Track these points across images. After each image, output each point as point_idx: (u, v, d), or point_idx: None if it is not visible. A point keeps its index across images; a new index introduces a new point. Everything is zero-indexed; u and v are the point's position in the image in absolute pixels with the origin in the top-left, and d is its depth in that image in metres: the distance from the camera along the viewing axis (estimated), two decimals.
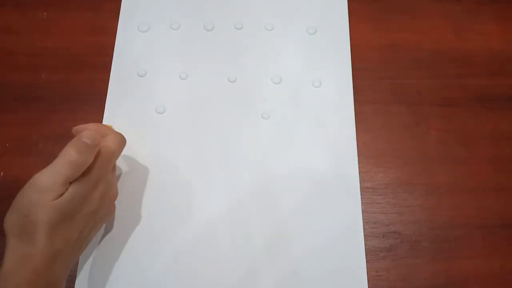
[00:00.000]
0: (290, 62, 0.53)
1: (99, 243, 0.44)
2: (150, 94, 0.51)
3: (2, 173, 0.47)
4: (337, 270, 0.44)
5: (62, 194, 0.34)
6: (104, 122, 0.49)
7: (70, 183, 0.35)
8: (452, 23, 0.56)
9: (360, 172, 0.48)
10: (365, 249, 0.45)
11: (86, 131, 0.36)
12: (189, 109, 0.50)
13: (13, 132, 0.48)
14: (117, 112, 0.50)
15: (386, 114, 0.51)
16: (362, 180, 0.48)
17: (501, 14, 0.57)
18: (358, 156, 0.49)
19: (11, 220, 0.34)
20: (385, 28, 0.56)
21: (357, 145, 0.49)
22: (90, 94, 0.50)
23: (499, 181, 0.49)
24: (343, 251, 0.45)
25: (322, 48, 0.54)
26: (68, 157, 0.34)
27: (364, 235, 0.46)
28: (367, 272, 0.44)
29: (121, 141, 0.40)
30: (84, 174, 0.35)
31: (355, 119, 0.50)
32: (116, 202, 0.44)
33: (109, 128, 0.41)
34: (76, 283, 0.43)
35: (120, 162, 0.47)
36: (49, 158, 0.47)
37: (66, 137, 0.48)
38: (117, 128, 0.49)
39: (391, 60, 0.54)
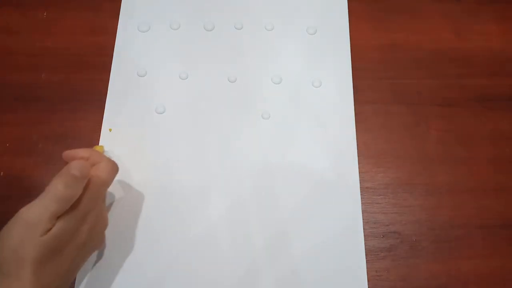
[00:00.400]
0: (290, 62, 0.53)
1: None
2: (150, 94, 0.51)
3: (2, 173, 0.47)
4: (337, 270, 0.44)
5: (49, 230, 0.33)
6: (104, 122, 0.49)
7: (58, 217, 0.34)
8: (452, 23, 0.56)
9: (360, 172, 0.48)
10: (365, 249, 0.45)
11: (75, 162, 0.35)
12: (189, 109, 0.50)
13: (13, 132, 0.48)
14: (117, 112, 0.50)
15: (386, 114, 0.51)
16: (362, 180, 0.48)
17: (501, 14, 0.57)
18: (358, 156, 0.49)
19: None
20: (385, 28, 0.56)
21: (357, 145, 0.49)
22: (90, 94, 0.50)
23: (499, 181, 0.49)
24: (343, 251, 0.45)
25: (322, 48, 0.54)
26: (55, 191, 0.33)
27: (364, 235, 0.46)
28: (367, 272, 0.44)
29: (113, 169, 0.39)
30: (72, 207, 0.34)
31: (355, 119, 0.50)
32: (116, 202, 0.44)
33: (101, 155, 0.39)
34: (75, 284, 0.43)
35: (120, 162, 0.47)
36: (49, 158, 0.47)
37: (66, 137, 0.48)
38: (117, 128, 0.49)
39: (391, 60, 0.54)
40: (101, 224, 0.39)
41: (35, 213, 0.33)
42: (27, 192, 0.46)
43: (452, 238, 0.46)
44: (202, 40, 0.54)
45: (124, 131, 0.49)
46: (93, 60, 0.52)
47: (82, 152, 0.39)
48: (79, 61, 0.52)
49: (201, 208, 0.46)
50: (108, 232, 0.44)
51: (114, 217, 0.45)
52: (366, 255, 0.45)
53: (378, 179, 0.48)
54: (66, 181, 0.33)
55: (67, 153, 0.39)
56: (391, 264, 0.45)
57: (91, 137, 0.48)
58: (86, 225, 0.36)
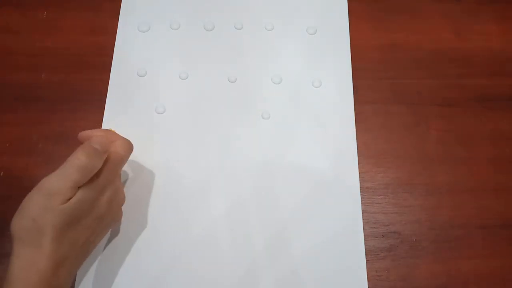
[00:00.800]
0: (290, 62, 0.53)
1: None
2: (150, 94, 0.51)
3: (2, 173, 0.47)
4: (337, 270, 0.44)
5: (70, 199, 0.34)
6: (104, 122, 0.49)
7: (78, 187, 0.35)
8: (452, 23, 0.56)
9: (360, 172, 0.48)
10: (365, 249, 0.45)
11: (95, 137, 0.37)
12: (189, 109, 0.50)
13: (13, 132, 0.48)
14: (117, 112, 0.50)
15: (386, 114, 0.51)
16: (362, 180, 0.48)
17: (501, 14, 0.57)
18: (358, 156, 0.49)
19: (18, 224, 0.34)
20: (385, 28, 0.56)
21: (357, 145, 0.49)
22: (90, 94, 0.50)
23: (499, 181, 0.49)
24: (343, 251, 0.45)
25: (322, 48, 0.54)
26: (78, 162, 0.34)
27: (364, 235, 0.46)
28: (367, 272, 0.44)
29: (129, 147, 0.40)
30: (92, 179, 0.35)
31: (355, 119, 0.50)
32: None
33: (116, 134, 0.41)
34: (75, 284, 0.43)
35: None
36: (49, 158, 0.47)
37: (66, 137, 0.48)
38: (117, 128, 0.49)
39: (391, 60, 0.54)
40: (119, 199, 0.40)
41: (57, 182, 0.34)
42: (27, 192, 0.46)
43: (452, 238, 0.46)
44: (202, 40, 0.54)
45: (124, 131, 0.49)
46: (93, 60, 0.52)
47: (98, 132, 0.40)
48: (79, 61, 0.52)
49: (201, 208, 0.46)
50: (109, 232, 0.44)
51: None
52: (366, 255, 0.45)
53: (378, 179, 0.48)
54: (88, 152, 0.35)
55: (83, 133, 0.40)
56: (391, 264, 0.45)
57: None
58: (105, 198, 0.37)
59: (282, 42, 0.54)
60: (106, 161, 0.37)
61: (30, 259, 0.33)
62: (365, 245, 0.45)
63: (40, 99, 0.50)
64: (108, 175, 0.37)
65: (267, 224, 0.46)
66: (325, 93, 0.51)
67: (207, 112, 0.50)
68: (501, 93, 0.53)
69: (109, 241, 0.44)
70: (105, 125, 0.49)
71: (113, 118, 0.49)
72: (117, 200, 0.40)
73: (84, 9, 0.55)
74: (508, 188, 0.49)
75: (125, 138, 0.40)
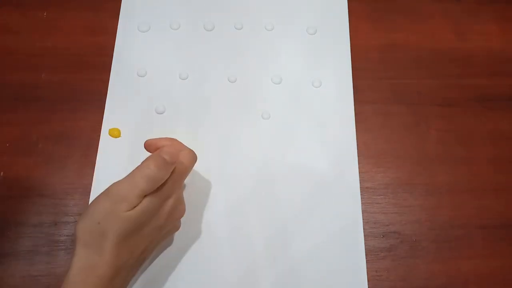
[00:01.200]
0: (290, 62, 0.53)
1: None
2: (150, 94, 0.51)
3: (2, 173, 0.47)
4: (337, 270, 0.44)
5: (135, 207, 0.34)
6: (104, 122, 0.49)
7: (144, 196, 0.35)
8: (452, 23, 0.56)
9: (360, 172, 0.48)
10: (365, 249, 0.45)
11: (166, 148, 0.37)
12: (189, 109, 0.50)
13: (13, 132, 0.48)
14: (117, 112, 0.50)
15: (386, 114, 0.51)
16: (362, 180, 0.48)
17: (501, 14, 0.57)
18: (358, 156, 0.49)
19: (83, 226, 0.34)
20: (385, 28, 0.56)
21: (357, 145, 0.49)
22: (90, 94, 0.50)
23: (499, 181, 0.49)
24: (343, 251, 0.45)
25: (322, 48, 0.54)
26: (147, 171, 0.35)
27: (364, 235, 0.46)
28: (367, 272, 0.44)
29: (194, 158, 0.40)
30: (157, 188, 0.36)
31: (355, 119, 0.50)
32: None
33: (181, 144, 0.41)
34: None
35: (120, 163, 0.47)
36: (49, 158, 0.47)
37: (66, 137, 0.48)
38: (117, 128, 0.49)
39: (391, 60, 0.54)
40: (180, 210, 0.40)
41: (125, 189, 0.34)
42: (27, 192, 0.46)
43: (452, 238, 0.46)
44: (202, 40, 0.54)
45: (124, 131, 0.49)
46: (93, 60, 0.52)
47: (163, 141, 0.40)
48: (79, 61, 0.52)
49: (201, 208, 0.46)
50: None
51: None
52: (366, 255, 0.45)
53: (378, 179, 0.48)
54: (158, 163, 0.35)
55: (149, 142, 0.40)
56: (391, 264, 0.45)
57: (91, 137, 0.48)
58: (167, 209, 0.38)
59: (282, 42, 0.54)
60: (172, 172, 0.37)
61: (90, 263, 0.33)
62: (365, 245, 0.45)
63: (40, 99, 0.50)
64: (172, 185, 0.37)
65: (267, 224, 0.46)
66: (325, 93, 0.51)
67: (207, 112, 0.50)
68: (501, 93, 0.53)
69: None
70: (105, 125, 0.49)
71: (113, 118, 0.49)
72: (178, 211, 0.40)
73: (84, 9, 0.55)
74: (508, 188, 0.49)
75: (189, 149, 0.40)
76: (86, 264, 0.33)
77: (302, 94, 0.51)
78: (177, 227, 0.42)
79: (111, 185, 0.35)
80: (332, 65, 0.53)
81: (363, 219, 0.46)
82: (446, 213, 0.47)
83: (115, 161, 0.47)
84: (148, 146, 0.40)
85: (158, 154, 0.36)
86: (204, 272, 0.44)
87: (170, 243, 0.45)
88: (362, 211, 0.47)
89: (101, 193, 0.35)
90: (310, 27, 0.55)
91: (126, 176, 0.35)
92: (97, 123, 0.49)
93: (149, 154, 0.48)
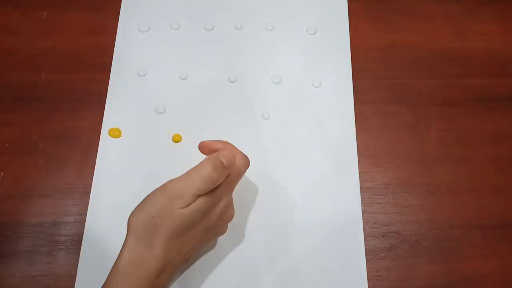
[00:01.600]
0: (290, 62, 0.53)
1: (98, 242, 0.44)
2: (150, 94, 0.51)
3: (2, 173, 0.47)
4: (337, 270, 0.44)
5: (189, 205, 0.35)
6: (104, 122, 0.49)
7: (198, 196, 0.36)
8: (452, 23, 0.56)
9: (360, 172, 0.48)
10: (365, 249, 0.45)
11: (224, 151, 0.38)
12: (189, 109, 0.50)
13: (13, 132, 0.48)
14: (117, 112, 0.50)
15: (386, 114, 0.51)
16: (362, 180, 0.48)
17: (501, 14, 0.57)
18: (358, 156, 0.49)
19: (136, 218, 0.35)
20: (385, 28, 0.56)
21: (357, 145, 0.49)
22: (90, 94, 0.50)
23: (499, 181, 0.49)
24: (343, 251, 0.45)
25: (322, 48, 0.54)
26: (205, 172, 0.35)
27: (364, 235, 0.46)
28: (367, 272, 0.44)
29: (247, 163, 0.40)
30: (212, 190, 0.36)
31: (355, 119, 0.50)
32: (114, 201, 0.44)
33: (236, 148, 0.41)
34: (76, 283, 0.43)
35: (120, 162, 0.47)
36: (49, 158, 0.47)
37: (66, 137, 0.48)
38: (117, 128, 0.49)
39: (391, 60, 0.54)
40: (229, 214, 0.40)
41: (181, 187, 0.35)
42: (27, 192, 0.46)
43: (452, 238, 0.46)
44: (202, 40, 0.54)
45: (124, 131, 0.49)
46: (93, 60, 0.52)
47: (218, 144, 0.40)
48: (79, 61, 0.52)
49: None
50: (109, 230, 0.44)
51: (111, 216, 0.45)
52: (366, 255, 0.45)
53: (378, 179, 0.48)
54: (216, 165, 0.36)
55: (203, 144, 0.40)
56: (391, 264, 0.45)
57: (91, 137, 0.48)
58: (217, 211, 0.38)
59: (282, 42, 0.54)
60: (226, 176, 0.38)
61: (140, 256, 0.34)
62: (365, 245, 0.45)
63: (40, 99, 0.50)
64: (225, 189, 0.38)
65: (267, 224, 0.46)
66: (325, 93, 0.51)
67: (207, 112, 0.50)
68: (501, 93, 0.53)
69: (108, 240, 0.44)
70: (105, 125, 0.49)
71: (113, 118, 0.49)
72: (227, 215, 0.40)
73: (84, 9, 0.55)
74: (508, 188, 0.49)
75: (244, 154, 0.40)
76: (136, 256, 0.34)
77: (302, 94, 0.51)
78: (223, 231, 0.42)
79: (168, 182, 0.36)
80: (332, 65, 0.53)
81: (363, 219, 0.46)
82: (446, 213, 0.47)
83: (115, 161, 0.47)
84: (202, 147, 0.40)
85: (216, 157, 0.37)
86: (204, 272, 0.44)
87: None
88: (362, 211, 0.47)
89: (158, 188, 0.36)
90: (310, 27, 0.55)
91: (183, 174, 0.36)
92: (97, 123, 0.49)
93: (147, 154, 0.48)
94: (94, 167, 0.47)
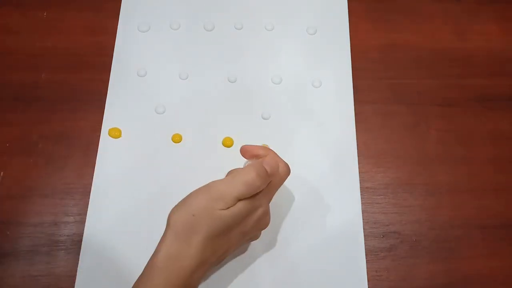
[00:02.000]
0: (290, 62, 0.53)
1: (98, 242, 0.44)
2: (150, 94, 0.51)
3: (2, 173, 0.47)
4: (337, 270, 0.44)
5: (229, 207, 0.36)
6: (104, 122, 0.49)
7: (239, 200, 0.36)
8: (452, 23, 0.56)
9: (360, 172, 0.48)
10: (365, 249, 0.45)
11: (268, 159, 0.38)
12: (189, 109, 0.50)
13: (13, 132, 0.48)
14: (117, 112, 0.50)
15: (386, 114, 0.51)
16: (362, 180, 0.48)
17: (501, 14, 0.57)
18: (358, 156, 0.49)
19: (177, 215, 0.36)
20: (385, 28, 0.56)
21: (357, 145, 0.49)
22: (90, 94, 0.50)
23: (499, 181, 0.49)
24: (343, 251, 0.45)
25: (322, 48, 0.54)
26: (248, 177, 0.36)
27: (364, 235, 0.46)
28: (367, 272, 0.44)
29: (288, 172, 0.41)
30: (252, 196, 0.37)
31: (355, 119, 0.50)
32: (114, 202, 0.44)
33: (278, 156, 0.41)
34: (76, 283, 0.43)
35: (120, 162, 0.47)
36: (49, 158, 0.47)
37: (66, 137, 0.48)
38: (117, 128, 0.49)
39: (391, 60, 0.54)
40: (265, 221, 0.40)
41: (224, 188, 0.36)
42: (27, 192, 0.46)
43: (452, 238, 0.46)
44: (202, 40, 0.54)
45: (124, 131, 0.49)
46: (93, 60, 0.52)
47: (260, 150, 0.40)
48: (79, 61, 0.52)
49: None
50: (109, 230, 0.44)
51: (111, 216, 0.45)
52: (366, 255, 0.45)
53: (378, 179, 0.48)
54: (259, 172, 0.36)
55: (246, 148, 0.41)
56: (391, 264, 0.45)
57: (91, 137, 0.48)
58: (255, 217, 0.38)
59: (282, 42, 0.54)
60: (268, 183, 0.38)
61: (177, 253, 0.35)
62: (365, 245, 0.45)
63: (40, 99, 0.50)
64: (264, 196, 0.38)
65: None
66: (325, 93, 0.51)
67: (207, 112, 0.50)
68: (501, 93, 0.53)
69: (108, 240, 0.44)
70: (105, 125, 0.49)
71: (113, 118, 0.49)
72: (263, 222, 0.40)
73: (84, 9, 0.55)
74: (508, 188, 0.49)
75: (285, 163, 0.41)
76: (173, 252, 0.35)
77: (302, 94, 0.51)
78: (257, 237, 0.43)
79: (211, 182, 0.37)
80: (332, 65, 0.53)
81: (363, 219, 0.46)
82: (446, 213, 0.47)
83: (115, 161, 0.47)
84: (244, 152, 0.41)
85: (260, 164, 0.37)
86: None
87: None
88: (362, 211, 0.47)
89: (200, 187, 0.37)
90: (310, 27, 0.55)
91: (226, 177, 0.37)
92: (97, 123, 0.49)
93: (147, 154, 0.48)
94: (94, 167, 0.47)
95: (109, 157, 0.47)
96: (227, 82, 0.52)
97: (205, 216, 0.35)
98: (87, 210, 0.45)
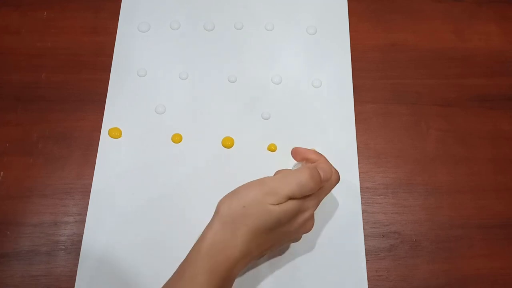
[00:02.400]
0: (290, 62, 0.53)
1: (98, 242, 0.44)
2: (150, 94, 0.51)
3: (2, 173, 0.47)
4: (337, 270, 0.44)
5: (279, 204, 0.36)
6: (104, 122, 0.49)
7: (290, 198, 0.36)
8: (452, 23, 0.56)
9: (360, 172, 0.48)
10: (365, 249, 0.45)
11: (323, 165, 0.39)
12: (189, 109, 0.50)
13: (13, 132, 0.48)
14: (117, 112, 0.50)
15: (386, 114, 0.51)
16: (362, 180, 0.48)
17: (501, 14, 0.57)
18: (358, 156, 0.49)
19: (227, 204, 0.36)
20: (385, 28, 0.56)
21: (357, 145, 0.49)
22: (90, 94, 0.50)
23: (499, 181, 0.49)
24: (343, 251, 0.45)
25: (322, 48, 0.54)
26: (302, 178, 0.36)
27: (364, 235, 0.46)
28: (367, 272, 0.44)
29: (338, 180, 0.41)
30: (302, 197, 0.37)
31: (355, 119, 0.50)
32: (114, 201, 0.44)
33: (329, 162, 0.41)
34: (76, 283, 0.43)
35: (120, 162, 0.47)
36: (49, 158, 0.47)
37: (66, 137, 0.48)
38: (117, 128, 0.49)
39: (391, 60, 0.54)
40: (308, 225, 0.41)
41: (277, 185, 0.36)
42: (27, 192, 0.46)
43: (452, 238, 0.46)
44: (202, 40, 0.54)
45: (124, 131, 0.49)
46: (93, 60, 0.52)
47: (312, 154, 0.41)
48: (79, 61, 0.52)
49: (201, 208, 0.46)
50: (109, 230, 0.44)
51: (111, 216, 0.45)
52: (366, 255, 0.45)
53: (378, 179, 0.48)
54: (313, 175, 0.37)
55: (297, 150, 0.42)
56: (391, 264, 0.45)
57: (91, 137, 0.48)
58: (301, 220, 0.39)
59: (282, 42, 0.54)
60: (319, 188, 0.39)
61: (223, 242, 0.35)
62: (365, 245, 0.45)
63: (40, 99, 0.50)
64: (313, 200, 0.39)
65: None
66: (325, 93, 0.51)
67: (207, 112, 0.50)
68: (501, 93, 0.53)
69: (108, 240, 0.44)
70: (105, 125, 0.49)
71: (113, 118, 0.49)
72: (307, 225, 0.40)
73: (84, 9, 0.55)
74: (508, 188, 0.49)
75: (336, 170, 0.41)
76: (219, 240, 0.35)
77: (302, 94, 0.51)
78: (298, 239, 0.43)
79: (264, 177, 0.37)
80: (332, 65, 0.53)
81: (363, 219, 0.46)
82: (446, 213, 0.47)
83: (115, 161, 0.47)
84: (295, 153, 0.42)
85: (315, 167, 0.38)
86: None
87: (169, 243, 0.44)
88: (362, 211, 0.47)
89: (253, 181, 0.37)
90: (310, 27, 0.55)
91: (279, 175, 0.38)
92: (97, 123, 0.49)
93: (147, 154, 0.48)
94: (94, 167, 0.47)
95: (109, 157, 0.47)
96: (227, 82, 0.52)
97: (255, 208, 0.35)
98: (87, 210, 0.45)
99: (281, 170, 0.41)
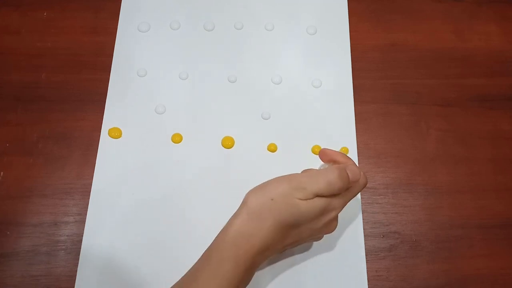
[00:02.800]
0: (290, 62, 0.53)
1: (97, 241, 0.44)
2: (150, 94, 0.51)
3: (2, 173, 0.47)
4: (337, 270, 0.44)
5: (307, 200, 0.36)
6: (104, 122, 0.49)
7: (317, 196, 0.37)
8: (452, 23, 0.56)
9: None
10: (365, 249, 0.45)
11: (352, 167, 0.39)
12: (189, 109, 0.50)
13: (13, 132, 0.48)
14: (117, 112, 0.50)
15: (386, 114, 0.51)
16: None
17: (501, 14, 0.57)
18: (358, 156, 0.49)
19: (255, 196, 0.37)
20: (385, 28, 0.56)
21: (357, 145, 0.49)
22: (90, 94, 0.50)
23: (499, 181, 0.49)
24: (343, 251, 0.45)
25: (322, 48, 0.54)
26: (330, 177, 0.36)
27: (364, 235, 0.46)
28: (367, 272, 0.44)
29: (366, 184, 0.41)
30: (329, 197, 0.37)
31: (355, 119, 0.50)
32: (115, 201, 0.44)
33: (357, 168, 0.41)
34: (76, 283, 0.43)
35: (120, 162, 0.47)
36: (49, 158, 0.47)
37: (66, 137, 0.48)
38: (117, 128, 0.49)
39: (391, 60, 0.54)
40: (332, 226, 0.40)
41: (305, 181, 0.36)
42: (27, 192, 0.46)
43: (452, 238, 0.46)
44: (202, 40, 0.54)
45: (124, 131, 0.49)
46: (93, 60, 0.52)
47: (340, 157, 0.41)
48: (79, 61, 0.52)
49: (201, 208, 0.46)
50: (109, 230, 0.44)
51: (111, 215, 0.45)
52: (366, 255, 0.45)
53: (378, 179, 0.48)
54: (342, 176, 0.37)
55: (325, 151, 0.41)
56: (391, 264, 0.45)
57: (91, 137, 0.48)
58: (326, 219, 0.39)
59: (282, 42, 0.54)
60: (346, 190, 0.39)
61: (249, 232, 0.36)
62: (365, 245, 0.45)
63: (40, 99, 0.50)
64: (339, 201, 0.39)
65: None
66: (325, 93, 0.51)
67: (207, 112, 0.50)
68: (501, 93, 0.53)
69: (108, 240, 0.44)
70: (105, 125, 0.49)
71: (113, 118, 0.49)
72: (331, 226, 0.40)
73: (84, 9, 0.55)
74: (508, 188, 0.49)
75: (364, 174, 0.41)
76: (245, 230, 0.36)
77: (302, 94, 0.51)
78: (319, 239, 0.43)
79: (292, 174, 0.38)
80: (332, 65, 0.53)
81: (363, 219, 0.46)
82: (446, 213, 0.47)
83: (115, 161, 0.47)
84: (323, 155, 0.41)
85: (344, 168, 0.38)
86: None
87: (169, 243, 0.44)
88: (362, 211, 0.47)
89: (282, 176, 0.38)
90: (310, 27, 0.55)
91: (308, 172, 0.38)
92: (97, 123, 0.49)
93: (147, 154, 0.48)
94: (94, 167, 0.47)
95: (109, 157, 0.47)
96: (227, 82, 0.52)
97: (283, 202, 0.36)
98: (87, 210, 0.45)
99: (308, 169, 0.41)
